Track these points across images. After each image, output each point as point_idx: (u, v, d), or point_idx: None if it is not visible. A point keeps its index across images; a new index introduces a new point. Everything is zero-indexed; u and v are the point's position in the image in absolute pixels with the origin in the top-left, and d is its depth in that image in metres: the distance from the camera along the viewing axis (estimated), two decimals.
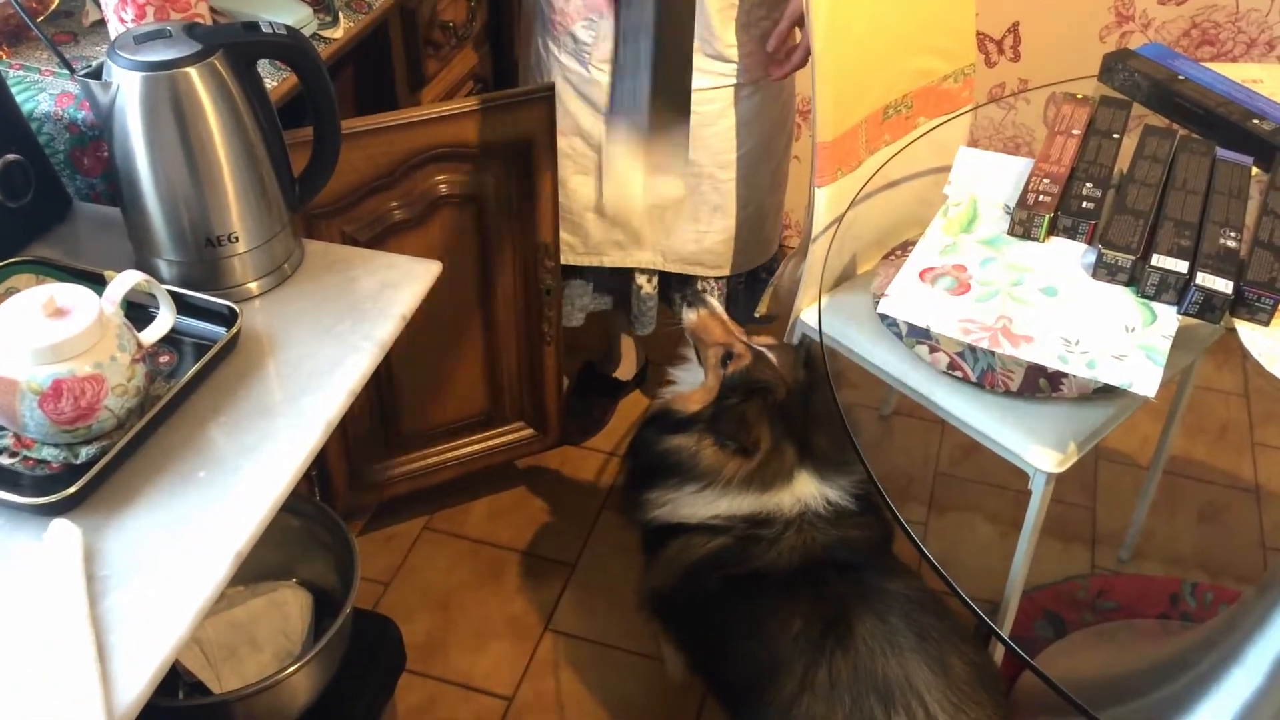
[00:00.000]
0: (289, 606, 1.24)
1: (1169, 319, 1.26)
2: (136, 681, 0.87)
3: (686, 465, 1.55)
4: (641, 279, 2.05)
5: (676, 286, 2.07)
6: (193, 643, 1.19)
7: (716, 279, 2.04)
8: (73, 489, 0.97)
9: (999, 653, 1.82)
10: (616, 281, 2.08)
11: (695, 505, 1.54)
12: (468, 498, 2.14)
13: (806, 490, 1.53)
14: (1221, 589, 2.00)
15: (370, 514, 2.07)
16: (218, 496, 1.01)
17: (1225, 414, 2.40)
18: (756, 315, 2.02)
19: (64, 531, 0.95)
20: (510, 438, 1.97)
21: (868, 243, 1.85)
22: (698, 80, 1.82)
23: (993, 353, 1.62)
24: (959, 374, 1.62)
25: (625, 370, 2.40)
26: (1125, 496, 2.19)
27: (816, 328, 1.77)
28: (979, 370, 1.61)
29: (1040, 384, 1.60)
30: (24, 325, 0.99)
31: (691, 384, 1.67)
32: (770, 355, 1.59)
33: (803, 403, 1.56)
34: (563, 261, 2.00)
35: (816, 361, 1.60)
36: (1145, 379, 1.19)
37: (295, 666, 1.12)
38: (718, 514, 1.52)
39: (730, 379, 1.58)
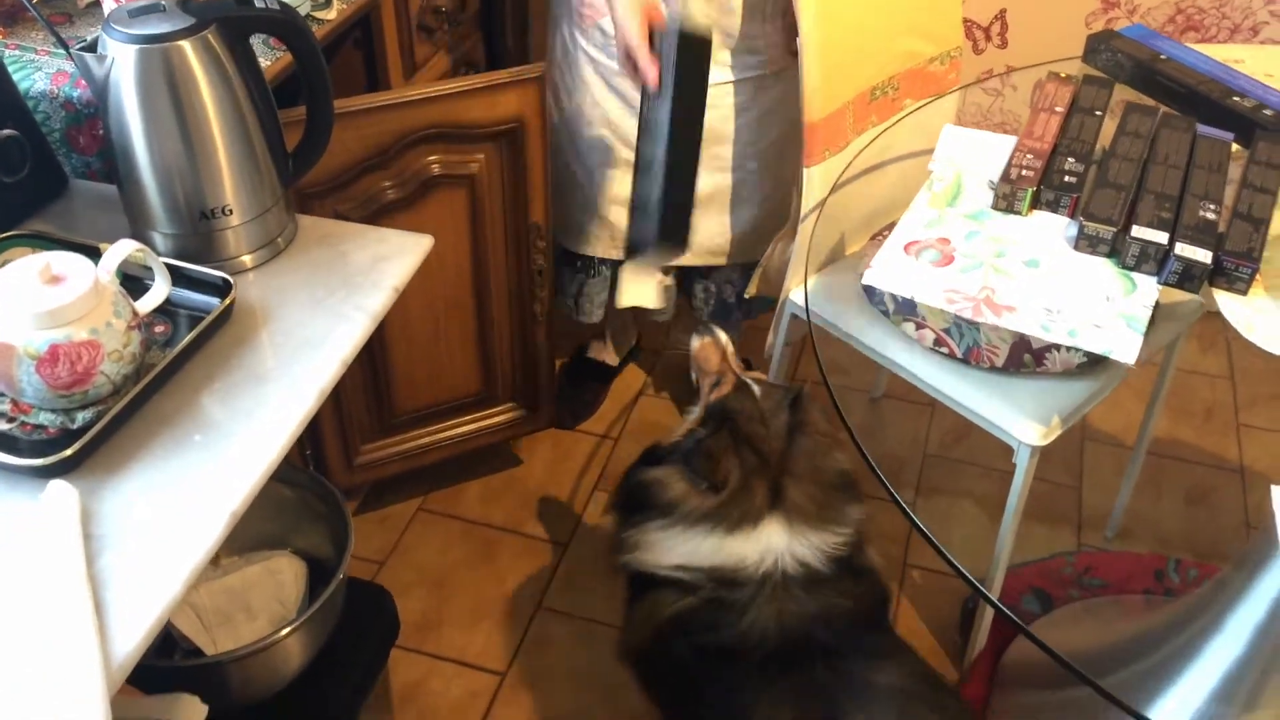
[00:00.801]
0: (284, 574, 1.26)
1: (1149, 289, 1.28)
2: (132, 635, 0.88)
3: (655, 496, 1.44)
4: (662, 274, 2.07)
5: (699, 276, 2.09)
6: (188, 608, 1.21)
7: (741, 266, 2.06)
8: (69, 452, 0.98)
9: (986, 625, 1.84)
10: None
11: (660, 548, 1.42)
12: (462, 479, 2.16)
13: (775, 542, 1.37)
14: (1205, 565, 2.02)
15: (365, 494, 2.09)
16: (212, 459, 1.03)
17: (1211, 397, 2.42)
18: (746, 296, 2.04)
19: (61, 492, 0.97)
20: (503, 418, 1.99)
21: (856, 224, 1.87)
22: (724, 74, 1.83)
23: (978, 328, 1.64)
24: (945, 350, 1.64)
25: (611, 354, 2.42)
26: (1112, 477, 2.21)
27: (805, 306, 1.79)
28: (965, 346, 1.63)
29: (1025, 359, 1.61)
30: (21, 291, 1.01)
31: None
32: (756, 389, 1.51)
33: (782, 445, 1.44)
34: (594, 253, 2.02)
35: (807, 405, 1.49)
36: (1125, 346, 1.21)
37: (289, 629, 1.14)
38: (683, 563, 1.39)
39: (710, 407, 1.51)
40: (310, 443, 1.83)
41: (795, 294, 1.82)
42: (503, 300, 1.84)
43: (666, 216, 1.46)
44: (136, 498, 0.99)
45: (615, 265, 2.08)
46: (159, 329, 1.17)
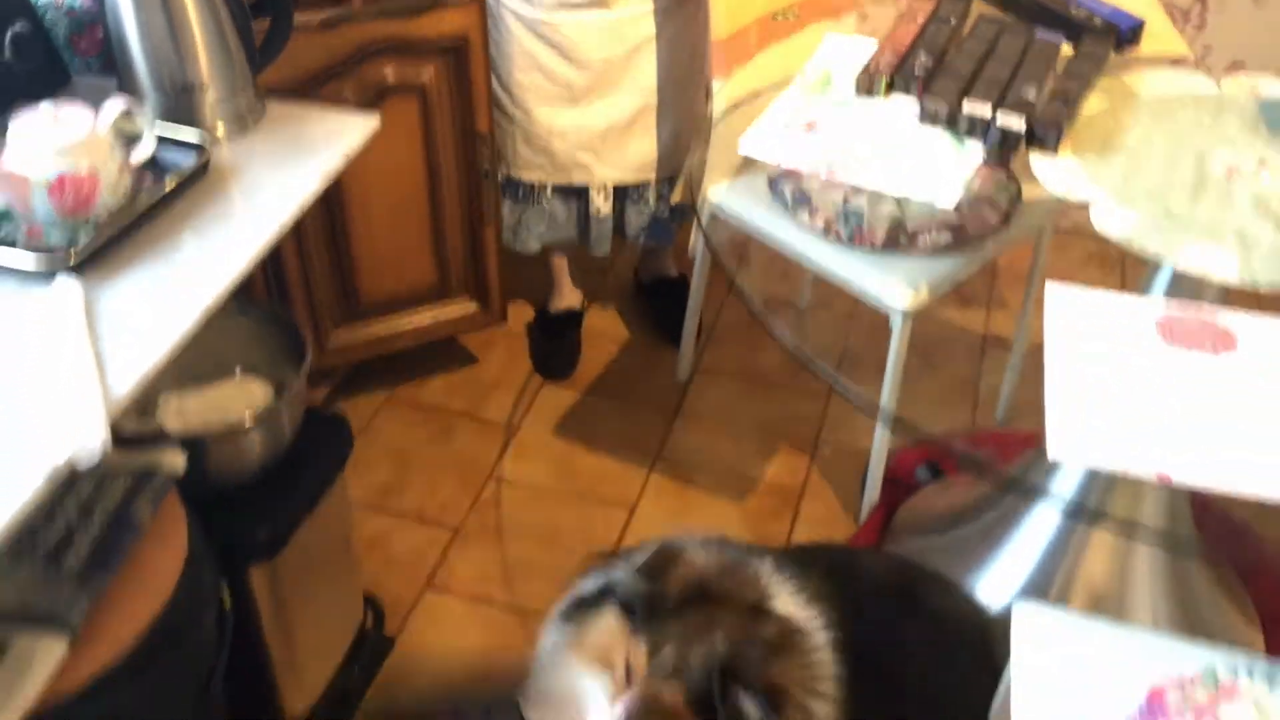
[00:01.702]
0: (255, 392, 1.52)
1: (976, 152, 1.53)
2: (126, 381, 1.13)
3: None
4: (598, 200, 2.30)
5: (632, 199, 2.33)
6: (175, 413, 1.46)
7: (668, 179, 2.30)
8: (73, 253, 1.24)
9: (878, 482, 2.09)
10: (575, 204, 2.33)
11: None
12: (425, 374, 2.41)
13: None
14: None
15: (337, 384, 2.34)
16: (190, 271, 1.28)
17: None
18: (672, 203, 2.29)
19: (67, 284, 1.22)
20: (458, 312, 2.24)
21: None
22: (645, 6, 2.08)
23: (861, 216, 1.90)
24: (834, 234, 1.89)
25: (571, 296, 2.57)
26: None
27: (721, 205, 2.04)
28: (849, 229, 1.88)
29: (900, 239, 1.87)
30: (34, 134, 1.26)
31: None
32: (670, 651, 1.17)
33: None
34: (535, 179, 2.25)
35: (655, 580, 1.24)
36: (946, 194, 1.47)
37: (253, 418, 1.40)
38: None
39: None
40: None
41: (713, 194, 2.06)
42: (454, 200, 2.09)
43: None
44: (129, 292, 1.25)
45: (555, 194, 2.31)
46: (148, 182, 1.42)
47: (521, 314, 2.57)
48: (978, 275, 2.75)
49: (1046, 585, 1.84)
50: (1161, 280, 1.57)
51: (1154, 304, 1.31)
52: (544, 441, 2.29)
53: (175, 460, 1.25)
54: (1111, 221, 1.40)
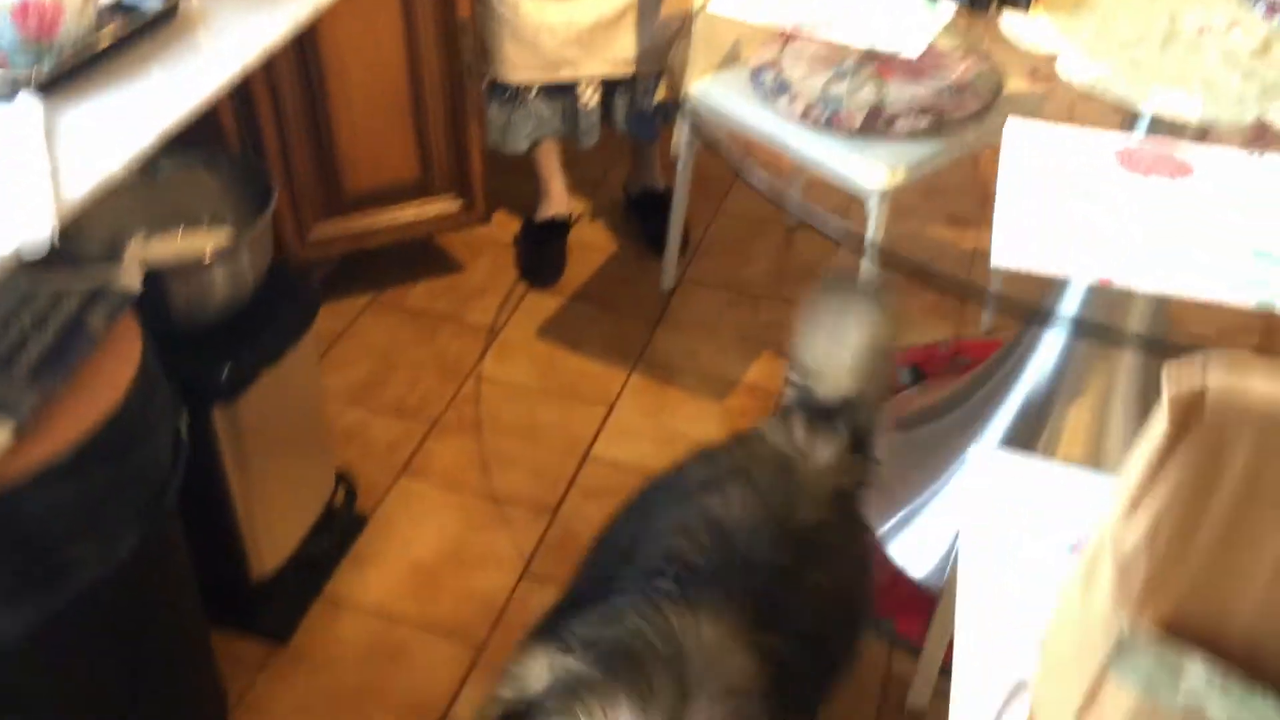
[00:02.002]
0: (221, 241, 1.53)
1: (946, 10, 1.53)
2: (79, 187, 1.15)
3: None
4: (586, 93, 2.31)
5: (620, 91, 2.34)
6: (141, 255, 1.47)
7: (656, 75, 2.30)
8: (35, 78, 1.24)
9: None
10: (561, 102, 2.34)
11: None
12: (410, 279, 2.42)
13: None
14: None
15: (320, 279, 2.35)
16: (153, 98, 1.29)
17: None
18: (656, 101, 2.29)
19: (27, 101, 1.23)
20: (441, 208, 2.24)
21: (748, 28, 2.11)
22: None
23: (840, 101, 1.89)
24: (812, 119, 1.89)
25: (560, 204, 2.58)
26: None
27: (703, 99, 2.03)
28: (828, 114, 1.87)
29: (878, 124, 1.86)
30: None
31: None
32: None
33: None
34: (523, 79, 2.26)
35: None
36: (912, 45, 1.46)
37: (212, 253, 1.41)
38: None
39: None
40: None
41: (695, 89, 2.06)
42: (437, 93, 2.09)
43: None
44: (89, 113, 1.26)
45: (540, 94, 2.32)
46: (116, 22, 1.43)
47: (511, 226, 2.58)
48: (969, 198, 2.75)
49: None
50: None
51: (1115, 138, 1.30)
52: (526, 342, 2.29)
53: (130, 276, 1.26)
54: (1079, 71, 1.39)
